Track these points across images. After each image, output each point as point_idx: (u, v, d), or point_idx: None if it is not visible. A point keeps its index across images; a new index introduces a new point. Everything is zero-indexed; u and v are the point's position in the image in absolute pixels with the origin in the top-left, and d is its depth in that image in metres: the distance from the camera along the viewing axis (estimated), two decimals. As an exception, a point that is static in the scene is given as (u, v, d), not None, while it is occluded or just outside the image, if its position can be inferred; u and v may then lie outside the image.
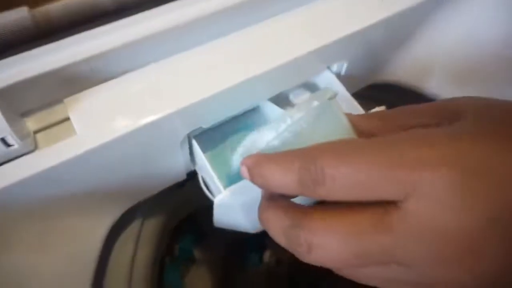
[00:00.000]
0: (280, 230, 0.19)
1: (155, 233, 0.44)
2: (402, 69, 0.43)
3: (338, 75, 0.39)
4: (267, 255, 0.67)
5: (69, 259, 0.31)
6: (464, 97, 0.21)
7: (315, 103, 0.22)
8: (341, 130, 0.22)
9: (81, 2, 0.29)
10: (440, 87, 0.44)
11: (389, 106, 0.51)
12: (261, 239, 0.69)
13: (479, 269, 0.15)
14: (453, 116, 0.19)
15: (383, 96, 0.51)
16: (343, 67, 0.38)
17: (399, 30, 0.38)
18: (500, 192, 0.15)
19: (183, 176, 0.37)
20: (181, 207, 0.51)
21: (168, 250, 0.67)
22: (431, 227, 0.15)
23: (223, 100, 0.30)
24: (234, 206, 0.30)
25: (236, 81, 0.29)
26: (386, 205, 0.16)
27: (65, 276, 0.31)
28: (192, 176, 0.39)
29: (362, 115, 0.25)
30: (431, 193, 0.15)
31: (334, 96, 0.24)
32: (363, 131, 0.23)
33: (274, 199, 0.21)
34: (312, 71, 0.36)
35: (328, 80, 0.38)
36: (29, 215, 0.28)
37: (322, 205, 0.18)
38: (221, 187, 0.30)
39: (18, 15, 0.27)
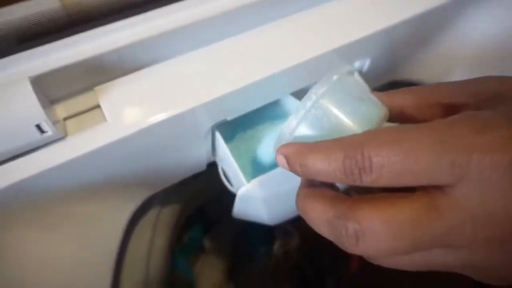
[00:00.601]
0: (323, 220, 0.19)
1: (171, 221, 0.45)
2: (424, 67, 0.43)
3: (359, 71, 0.39)
4: (275, 247, 0.68)
5: (92, 244, 0.32)
6: (502, 77, 0.20)
7: (335, 77, 0.22)
8: (367, 101, 0.22)
9: (113, -9, 0.29)
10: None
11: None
12: (270, 231, 0.70)
13: None
14: (495, 98, 0.18)
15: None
16: (366, 64, 0.38)
17: (422, 30, 0.38)
18: None
19: (203, 167, 0.38)
20: (195, 197, 0.51)
21: (177, 238, 0.68)
22: (482, 211, 0.15)
23: (248, 94, 0.30)
24: (256, 198, 0.31)
25: (261, 76, 0.30)
26: (436, 190, 0.16)
27: (88, 259, 0.32)
28: (208, 167, 0.39)
29: (395, 91, 0.24)
30: (483, 177, 0.15)
31: (352, 72, 0.24)
32: (395, 106, 0.23)
33: (315, 187, 0.20)
34: (335, 67, 0.36)
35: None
36: (58, 199, 0.28)
37: (368, 194, 0.18)
38: (244, 180, 0.31)
39: (50, 5, 0.28)
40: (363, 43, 0.33)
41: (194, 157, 0.35)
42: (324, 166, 0.18)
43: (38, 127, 0.25)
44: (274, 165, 0.33)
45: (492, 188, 0.15)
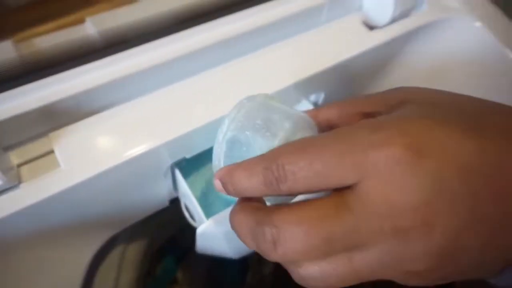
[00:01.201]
0: (247, 231, 0.19)
1: (137, 257, 0.45)
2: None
3: (315, 104, 0.40)
4: (249, 274, 0.68)
5: (54, 286, 0.32)
6: (410, 87, 0.22)
7: (245, 101, 0.25)
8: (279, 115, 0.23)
9: (71, 39, 0.30)
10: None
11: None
12: (244, 260, 0.70)
13: (434, 238, 0.16)
14: (400, 104, 0.20)
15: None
16: (321, 97, 0.40)
17: (371, 63, 0.40)
18: (442, 163, 0.16)
19: (165, 204, 0.38)
20: (162, 231, 0.51)
21: (149, 270, 0.67)
22: (384, 204, 0.16)
23: (206, 133, 0.31)
24: (217, 234, 0.31)
25: (217, 116, 0.31)
26: (346, 189, 0.17)
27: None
28: (173, 200, 0.39)
29: (320, 107, 0.26)
30: (379, 172, 0.16)
31: (265, 96, 0.26)
32: (321, 120, 0.25)
33: (242, 202, 0.21)
34: (291, 102, 0.38)
35: (305, 109, 0.40)
36: (13, 247, 0.28)
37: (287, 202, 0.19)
38: (203, 217, 0.31)
39: (4, 53, 0.28)
40: (315, 79, 0.35)
41: (155, 195, 0.35)
42: (248, 181, 0.19)
43: (-11, 177, 0.25)
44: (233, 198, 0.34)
45: (389, 180, 0.16)
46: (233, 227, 0.21)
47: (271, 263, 0.70)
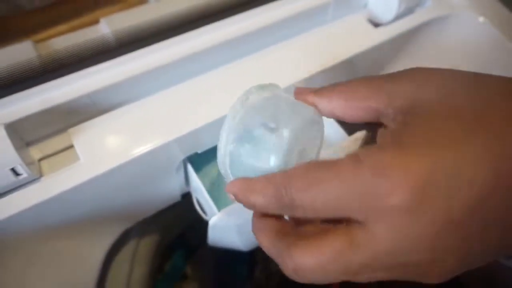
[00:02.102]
0: (269, 252, 0.21)
1: (150, 251, 0.46)
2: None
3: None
4: (257, 270, 0.69)
5: (70, 279, 0.33)
6: (416, 78, 0.21)
7: (253, 89, 0.25)
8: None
9: (86, 39, 0.31)
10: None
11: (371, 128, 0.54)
12: (252, 255, 0.71)
13: (441, 273, 0.18)
14: (408, 112, 0.20)
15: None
16: (327, 93, 0.41)
17: (375, 60, 0.41)
18: (450, 204, 0.17)
19: (177, 198, 0.39)
20: (173, 226, 0.52)
21: (159, 267, 0.68)
22: (393, 247, 0.18)
23: (217, 128, 0.32)
24: (228, 226, 0.32)
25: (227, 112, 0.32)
26: (355, 223, 0.18)
27: (66, 296, 0.32)
28: (184, 196, 0.40)
29: (320, 91, 0.24)
30: (386, 218, 0.17)
31: (271, 89, 0.26)
32: (326, 112, 0.24)
33: (262, 218, 0.22)
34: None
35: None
36: (33, 238, 0.29)
37: (302, 229, 0.21)
38: (215, 209, 0.32)
39: (25, 54, 0.29)
40: (321, 76, 0.36)
41: (168, 189, 0.36)
42: (264, 203, 0.21)
43: (13, 170, 0.26)
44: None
45: (397, 227, 0.17)
46: (256, 240, 0.22)
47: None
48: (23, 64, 0.28)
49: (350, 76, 0.40)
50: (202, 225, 0.44)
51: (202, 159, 0.37)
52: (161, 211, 0.49)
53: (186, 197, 0.41)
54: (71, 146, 0.30)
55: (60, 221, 0.29)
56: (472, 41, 0.41)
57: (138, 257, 0.44)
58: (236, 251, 0.72)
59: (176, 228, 0.55)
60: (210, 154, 0.38)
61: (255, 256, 0.70)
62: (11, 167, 0.26)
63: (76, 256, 0.33)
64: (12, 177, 0.26)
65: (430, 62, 0.44)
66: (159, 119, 0.31)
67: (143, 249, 0.44)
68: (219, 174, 0.37)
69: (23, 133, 0.28)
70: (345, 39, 0.38)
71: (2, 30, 0.44)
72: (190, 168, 0.35)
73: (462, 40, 0.42)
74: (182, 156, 0.33)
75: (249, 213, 0.32)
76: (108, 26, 0.33)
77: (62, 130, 0.30)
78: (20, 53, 0.29)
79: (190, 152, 0.33)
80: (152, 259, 0.46)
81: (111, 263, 0.41)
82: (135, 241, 0.43)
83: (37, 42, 0.33)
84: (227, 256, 0.72)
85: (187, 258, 0.71)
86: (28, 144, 0.30)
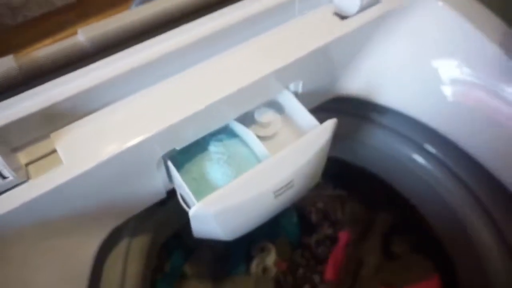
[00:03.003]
0: None
1: (142, 250, 0.48)
2: (357, 84, 0.48)
3: (296, 93, 0.43)
4: (254, 264, 0.71)
5: (62, 277, 0.35)
6: None
7: None
8: None
9: (64, 47, 0.33)
10: (392, 99, 0.49)
11: (347, 114, 0.56)
12: (248, 250, 0.73)
13: None
14: None
15: (346, 107, 0.56)
16: (299, 86, 0.43)
17: (345, 50, 0.43)
18: None
19: (163, 195, 0.41)
20: (165, 225, 0.54)
21: (159, 267, 0.70)
22: None
23: (193, 123, 0.34)
24: (207, 216, 0.34)
25: (203, 105, 0.34)
26: None
27: (60, 292, 0.34)
28: (173, 194, 0.42)
29: None
30: None
31: None
32: None
33: None
34: (272, 91, 0.41)
35: (287, 98, 0.43)
36: (23, 237, 0.31)
37: None
38: (194, 200, 0.34)
39: (6, 66, 0.31)
40: (291, 67, 0.38)
41: (152, 186, 0.38)
42: None
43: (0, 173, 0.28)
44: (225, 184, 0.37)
45: None
46: None
47: (274, 254, 0.73)
48: (4, 75, 0.31)
49: (320, 66, 0.42)
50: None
51: (182, 155, 0.39)
52: (153, 210, 0.51)
53: (175, 196, 0.42)
54: (55, 150, 0.32)
55: (48, 220, 0.31)
56: (434, 26, 0.43)
57: (131, 255, 0.45)
58: (232, 248, 0.74)
59: (169, 227, 0.57)
60: (189, 150, 0.40)
61: (251, 250, 0.72)
62: (-3, 171, 0.28)
63: (68, 254, 0.35)
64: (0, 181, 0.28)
65: (398, 49, 0.46)
66: (136, 118, 0.33)
67: (136, 246, 0.46)
68: (198, 169, 0.39)
69: (8, 139, 0.30)
70: (314, 31, 0.40)
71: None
72: (170, 164, 0.37)
73: (426, 26, 0.44)
74: (161, 153, 0.35)
75: (229, 201, 0.34)
76: (84, 34, 0.35)
77: (46, 135, 0.32)
78: (1, 65, 0.31)
79: (169, 148, 0.35)
80: (146, 257, 0.48)
81: (104, 261, 0.42)
82: (127, 240, 0.45)
83: (19, 55, 0.35)
84: (225, 253, 0.74)
85: (185, 258, 0.73)
86: (15, 150, 0.32)
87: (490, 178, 0.44)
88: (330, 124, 0.39)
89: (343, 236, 0.73)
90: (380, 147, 0.58)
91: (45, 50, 0.34)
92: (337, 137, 0.61)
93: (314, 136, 0.38)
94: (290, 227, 0.75)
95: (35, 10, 0.50)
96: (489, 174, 0.43)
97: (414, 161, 0.54)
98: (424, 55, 0.46)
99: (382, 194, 0.73)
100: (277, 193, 0.37)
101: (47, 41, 0.47)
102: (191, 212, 0.34)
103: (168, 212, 0.52)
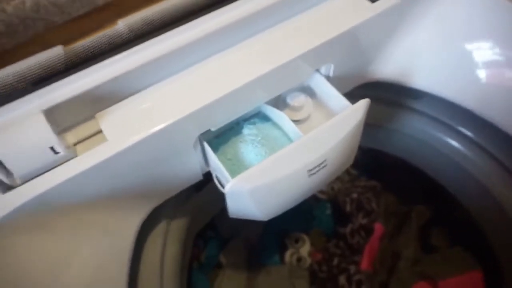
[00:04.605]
0: None
1: (181, 233, 0.50)
2: (389, 68, 0.48)
3: (327, 77, 0.44)
4: (288, 254, 0.71)
5: (105, 251, 0.37)
6: None
7: None
8: None
9: (101, 35, 0.35)
10: (425, 82, 0.48)
11: (380, 101, 0.56)
12: (282, 240, 0.73)
13: None
14: None
15: (378, 93, 0.55)
16: (331, 69, 0.43)
17: (376, 33, 0.43)
18: None
19: (199, 177, 0.43)
20: (202, 210, 0.56)
21: (195, 257, 0.72)
22: None
23: (226, 104, 0.36)
24: (243, 193, 0.35)
25: (235, 86, 0.35)
26: None
27: (102, 264, 0.36)
28: (209, 180, 0.43)
29: None
30: None
31: None
32: None
33: None
34: (302, 74, 0.41)
35: (318, 82, 0.43)
36: (70, 209, 0.33)
37: None
38: (228, 176, 0.36)
39: (55, 53, 0.34)
40: (321, 49, 0.38)
41: (189, 167, 0.40)
42: None
43: (52, 149, 0.30)
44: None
45: None
46: None
47: (308, 245, 0.73)
48: (53, 61, 0.33)
49: (351, 49, 0.42)
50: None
51: (218, 140, 0.40)
52: (190, 195, 0.52)
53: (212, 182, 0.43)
54: (101, 131, 0.34)
55: (93, 194, 0.34)
56: (466, 7, 0.42)
57: (170, 237, 0.47)
58: (267, 238, 0.75)
59: (206, 213, 0.59)
60: (224, 135, 0.42)
61: (285, 241, 0.72)
62: (50, 146, 0.30)
63: (111, 229, 0.37)
64: (52, 155, 0.31)
65: (429, 31, 0.45)
66: (174, 99, 0.34)
67: (174, 228, 0.48)
68: (232, 147, 0.40)
69: (58, 120, 0.33)
70: (343, 13, 0.40)
71: (38, 44, 0.50)
72: (205, 144, 0.38)
73: (456, 7, 0.43)
74: (197, 133, 0.37)
75: (265, 178, 0.35)
76: (123, 23, 0.37)
77: (92, 116, 0.35)
78: (51, 54, 0.34)
79: (205, 128, 0.37)
80: (184, 241, 0.50)
81: (145, 240, 0.45)
82: (166, 222, 0.47)
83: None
84: (259, 243, 0.75)
85: (220, 248, 0.74)
86: (65, 130, 0.34)
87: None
88: (363, 104, 0.39)
89: (379, 227, 0.72)
90: (414, 134, 0.57)
91: (90, 40, 0.36)
92: (370, 127, 0.61)
93: (346, 116, 0.38)
94: (324, 218, 0.75)
95: (79, 9, 0.53)
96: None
97: (450, 146, 0.52)
98: (456, 36, 0.45)
99: (418, 185, 0.72)
100: (311, 172, 0.37)
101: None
102: (227, 188, 0.35)
103: (204, 197, 0.54)
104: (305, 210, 0.76)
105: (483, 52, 0.44)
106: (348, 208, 0.74)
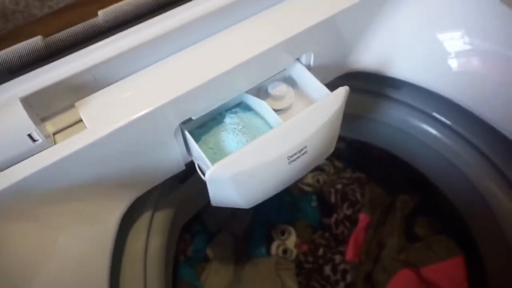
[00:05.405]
0: None
1: (165, 225, 0.50)
2: (368, 57, 0.49)
3: (308, 67, 0.44)
4: (274, 246, 0.72)
5: (86, 240, 0.37)
6: None
7: None
8: None
9: (80, 25, 0.35)
10: (403, 71, 0.49)
11: (361, 92, 0.56)
12: (268, 232, 0.74)
13: None
14: None
15: (359, 84, 0.56)
16: (311, 58, 0.44)
17: (355, 22, 0.44)
18: None
19: (182, 167, 0.43)
20: (186, 203, 0.56)
21: (182, 251, 0.72)
22: None
23: (206, 91, 0.36)
24: (223, 180, 0.36)
25: (215, 74, 0.35)
26: None
27: (84, 254, 0.36)
28: (193, 172, 0.44)
29: None
30: None
31: None
32: None
33: None
34: (283, 63, 0.42)
35: (299, 71, 0.44)
36: (49, 198, 0.33)
37: None
38: (209, 164, 0.36)
39: (33, 42, 0.34)
40: (301, 37, 0.39)
41: (170, 156, 0.40)
42: None
43: (30, 136, 0.30)
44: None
45: None
46: None
47: (294, 236, 0.74)
48: (32, 50, 0.33)
49: (330, 38, 0.43)
50: (218, 210, 0.47)
51: (200, 130, 0.41)
52: (174, 187, 0.53)
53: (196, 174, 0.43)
54: (80, 120, 0.34)
55: (73, 183, 0.34)
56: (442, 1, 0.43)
57: (154, 228, 0.47)
58: (253, 231, 0.75)
59: (190, 205, 0.59)
60: (206, 125, 0.42)
61: (272, 233, 0.73)
62: (28, 133, 0.30)
63: (92, 218, 0.37)
64: (30, 143, 0.30)
65: (406, 21, 0.46)
66: (153, 87, 0.35)
67: (158, 221, 0.48)
68: (215, 140, 0.41)
69: (37, 108, 0.33)
70: (321, 3, 0.40)
71: (17, 36, 0.50)
72: (187, 133, 0.38)
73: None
74: (178, 121, 0.37)
75: (245, 164, 0.35)
76: (103, 14, 0.37)
77: (71, 105, 0.35)
78: (30, 43, 0.34)
79: (185, 117, 0.37)
80: (168, 233, 0.50)
81: (128, 231, 0.45)
82: (150, 213, 0.47)
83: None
84: (245, 236, 0.75)
85: (207, 242, 0.75)
86: (44, 119, 0.34)
87: (506, 142, 0.43)
88: (342, 91, 0.39)
89: (363, 218, 0.73)
90: (396, 124, 0.58)
91: (68, 30, 0.36)
92: (353, 117, 0.62)
93: (326, 103, 0.39)
94: (310, 210, 0.76)
95: (59, 2, 0.53)
96: (505, 138, 0.43)
97: (430, 135, 0.54)
98: (430, 27, 0.46)
99: (402, 175, 0.73)
100: (291, 158, 0.38)
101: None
102: (207, 175, 0.35)
103: (189, 189, 0.54)
104: (291, 203, 0.77)
105: (455, 41, 0.45)
106: (333, 199, 0.74)
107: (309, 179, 0.78)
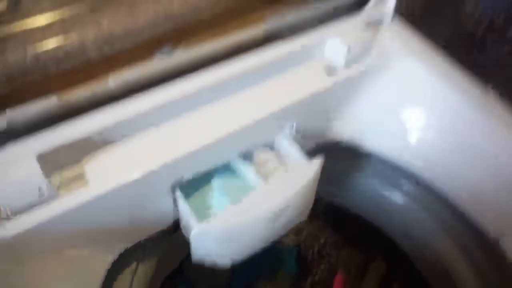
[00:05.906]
0: None
1: (147, 275, 0.52)
2: (344, 130, 0.55)
3: (291, 135, 0.50)
4: None
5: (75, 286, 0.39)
6: None
7: None
8: None
9: (95, 91, 0.40)
10: (375, 144, 0.55)
11: (338, 162, 0.62)
12: (250, 284, 0.76)
13: None
14: None
15: (336, 153, 0.62)
16: (293, 127, 0.49)
17: (329, 101, 0.50)
18: None
19: (170, 222, 0.47)
20: (170, 255, 0.58)
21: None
22: None
23: (197, 157, 0.41)
24: (208, 237, 0.39)
25: (207, 141, 0.40)
26: None
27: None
28: (178, 228, 0.47)
29: None
30: None
31: None
32: None
33: None
34: (268, 133, 0.47)
35: (282, 139, 0.49)
36: (44, 249, 0.37)
37: None
38: (195, 221, 0.40)
39: (49, 103, 0.39)
40: (282, 112, 0.45)
41: (159, 212, 0.44)
42: None
43: (39, 189, 0.34)
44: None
45: None
46: None
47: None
48: (47, 111, 0.38)
49: (312, 111, 0.49)
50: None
51: (188, 189, 0.45)
52: (160, 240, 0.55)
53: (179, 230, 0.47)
54: (83, 174, 0.38)
55: (69, 233, 0.37)
56: (408, 83, 0.50)
57: (136, 279, 0.50)
58: (236, 281, 0.76)
59: (173, 259, 0.62)
60: (195, 184, 0.46)
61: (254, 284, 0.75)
62: (39, 187, 0.34)
63: (82, 267, 0.40)
64: (36, 196, 0.34)
65: (377, 100, 0.53)
66: (151, 149, 0.39)
67: (141, 272, 0.51)
68: (202, 195, 0.45)
69: (48, 163, 0.37)
70: (302, 84, 0.47)
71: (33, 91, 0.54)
72: (177, 191, 0.42)
73: (401, 81, 0.51)
74: (170, 181, 0.41)
75: (231, 225, 0.39)
76: (114, 81, 0.42)
77: (77, 160, 0.39)
78: (45, 103, 0.39)
79: (178, 177, 0.41)
80: (150, 283, 0.52)
81: (113, 282, 0.47)
82: (134, 265, 0.50)
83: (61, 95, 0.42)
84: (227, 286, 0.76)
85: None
86: (50, 171, 0.38)
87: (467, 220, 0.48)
88: (317, 161, 0.45)
89: (338, 280, 0.76)
90: (365, 191, 0.63)
91: (82, 91, 0.41)
92: (330, 182, 0.67)
93: (303, 170, 0.44)
94: (291, 263, 0.78)
95: (73, 62, 0.57)
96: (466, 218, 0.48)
97: (393, 203, 0.59)
98: (398, 105, 0.52)
99: (376, 239, 0.77)
100: (272, 218, 0.42)
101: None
102: (193, 232, 0.39)
103: (172, 242, 0.57)
104: (272, 255, 0.79)
105: (419, 117, 0.52)
106: (310, 259, 0.77)
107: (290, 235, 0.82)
